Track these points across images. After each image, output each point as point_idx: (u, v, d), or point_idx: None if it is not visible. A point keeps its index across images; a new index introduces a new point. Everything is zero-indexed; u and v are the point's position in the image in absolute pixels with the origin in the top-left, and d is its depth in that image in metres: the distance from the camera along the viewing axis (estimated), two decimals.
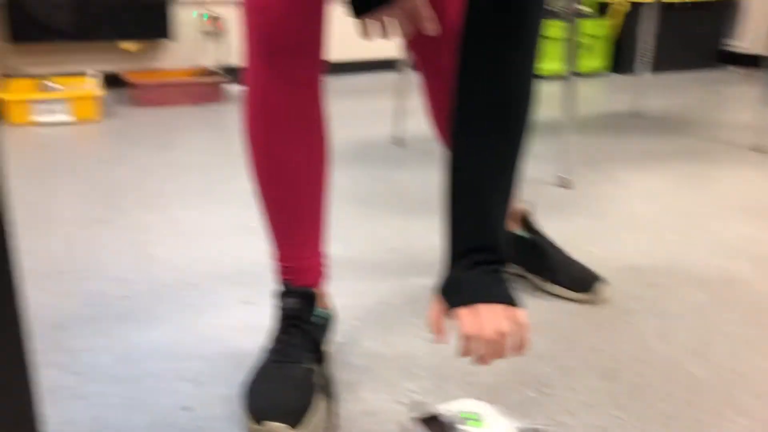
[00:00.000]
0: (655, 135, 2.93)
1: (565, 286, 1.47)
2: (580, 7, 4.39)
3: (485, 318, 0.92)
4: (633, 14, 4.32)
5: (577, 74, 4.12)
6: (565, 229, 1.84)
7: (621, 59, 4.46)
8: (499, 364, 1.22)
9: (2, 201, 0.55)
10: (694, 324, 1.38)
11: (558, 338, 1.32)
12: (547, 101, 3.47)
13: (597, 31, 4.32)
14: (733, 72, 4.52)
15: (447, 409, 0.93)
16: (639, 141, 2.83)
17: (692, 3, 4.38)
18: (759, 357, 1.27)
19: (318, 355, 1.14)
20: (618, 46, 4.47)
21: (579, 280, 1.47)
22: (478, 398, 0.97)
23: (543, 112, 3.25)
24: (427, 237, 1.78)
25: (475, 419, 0.90)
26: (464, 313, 0.93)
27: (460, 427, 0.90)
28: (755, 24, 4.51)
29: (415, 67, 1.36)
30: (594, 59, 4.38)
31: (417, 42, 1.26)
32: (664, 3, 4.14)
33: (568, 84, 2.21)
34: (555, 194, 2.14)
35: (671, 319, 1.40)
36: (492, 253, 0.96)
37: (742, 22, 4.58)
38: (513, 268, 1.55)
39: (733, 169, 2.43)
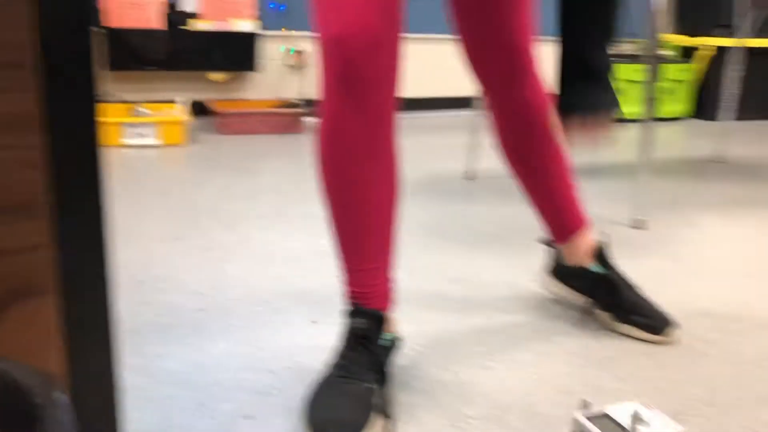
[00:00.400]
0: (736, 182, 2.84)
1: (636, 326, 1.44)
2: (663, 51, 4.34)
3: (589, 124, 1.24)
4: (718, 59, 4.24)
5: (658, 118, 4.05)
6: (636, 270, 1.80)
7: (704, 105, 4.36)
8: (562, 398, 1.21)
9: (105, 218, 0.60)
10: None
11: (624, 376, 1.29)
12: (626, 144, 3.43)
13: (680, 75, 4.26)
14: None
15: (617, 409, 1.00)
16: (719, 187, 2.75)
17: None
18: None
19: (381, 377, 1.15)
20: (702, 92, 4.38)
21: (651, 321, 1.44)
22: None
23: (620, 155, 3.21)
24: (492, 270, 1.78)
25: (644, 421, 0.97)
26: (577, 119, 1.25)
27: (632, 425, 0.96)
28: None
29: (486, 105, 1.38)
30: (676, 104, 4.30)
31: (487, 76, 1.29)
32: (751, 48, 4.04)
33: (646, 127, 2.19)
34: (628, 235, 2.11)
35: (744, 366, 1.35)
36: (603, 69, 1.24)
37: None
38: (583, 302, 1.53)
39: None
